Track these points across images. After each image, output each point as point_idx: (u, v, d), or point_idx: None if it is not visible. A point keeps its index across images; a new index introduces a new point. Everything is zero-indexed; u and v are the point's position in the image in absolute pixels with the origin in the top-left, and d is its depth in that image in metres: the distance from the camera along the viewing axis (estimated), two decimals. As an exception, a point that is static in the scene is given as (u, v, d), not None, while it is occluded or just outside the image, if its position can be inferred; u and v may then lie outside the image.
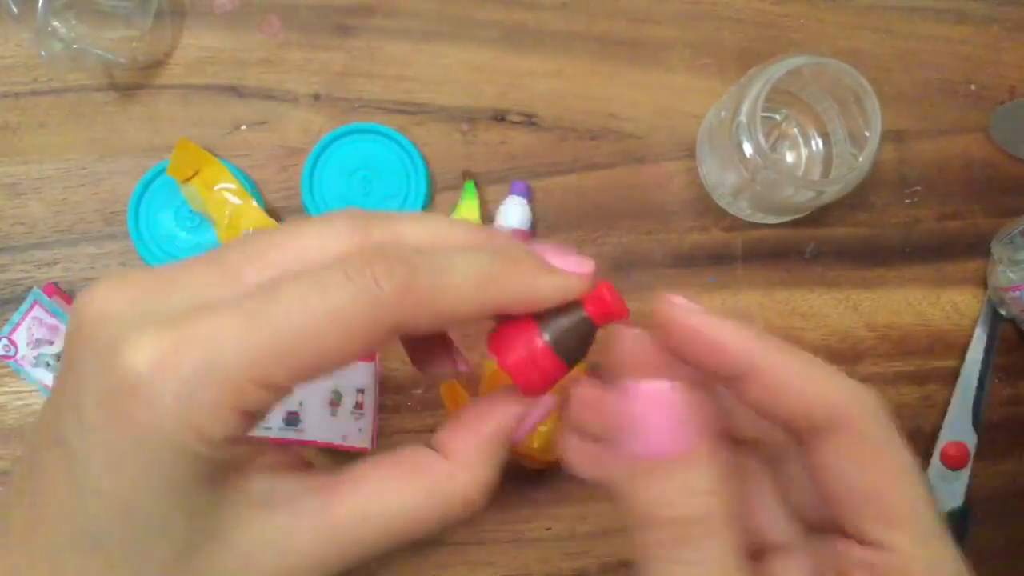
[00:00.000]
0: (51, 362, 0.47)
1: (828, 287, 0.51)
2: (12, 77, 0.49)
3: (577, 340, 0.22)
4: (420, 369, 0.26)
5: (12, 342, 0.47)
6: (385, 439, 0.49)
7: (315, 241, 0.20)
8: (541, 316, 0.22)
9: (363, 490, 0.21)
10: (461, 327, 0.21)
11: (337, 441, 0.48)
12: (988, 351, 0.50)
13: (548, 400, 0.24)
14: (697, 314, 0.21)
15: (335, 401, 0.48)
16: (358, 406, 0.47)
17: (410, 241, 0.21)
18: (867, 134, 0.44)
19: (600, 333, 0.23)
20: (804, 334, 0.51)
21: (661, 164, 0.51)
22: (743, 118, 0.43)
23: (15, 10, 0.45)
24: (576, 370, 0.23)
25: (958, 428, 0.50)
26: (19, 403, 0.48)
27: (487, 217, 0.49)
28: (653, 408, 0.21)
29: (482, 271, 0.20)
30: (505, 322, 0.23)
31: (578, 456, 0.25)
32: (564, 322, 0.22)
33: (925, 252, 0.52)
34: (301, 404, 0.48)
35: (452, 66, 0.51)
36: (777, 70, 0.43)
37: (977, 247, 0.51)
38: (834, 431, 0.20)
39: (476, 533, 0.49)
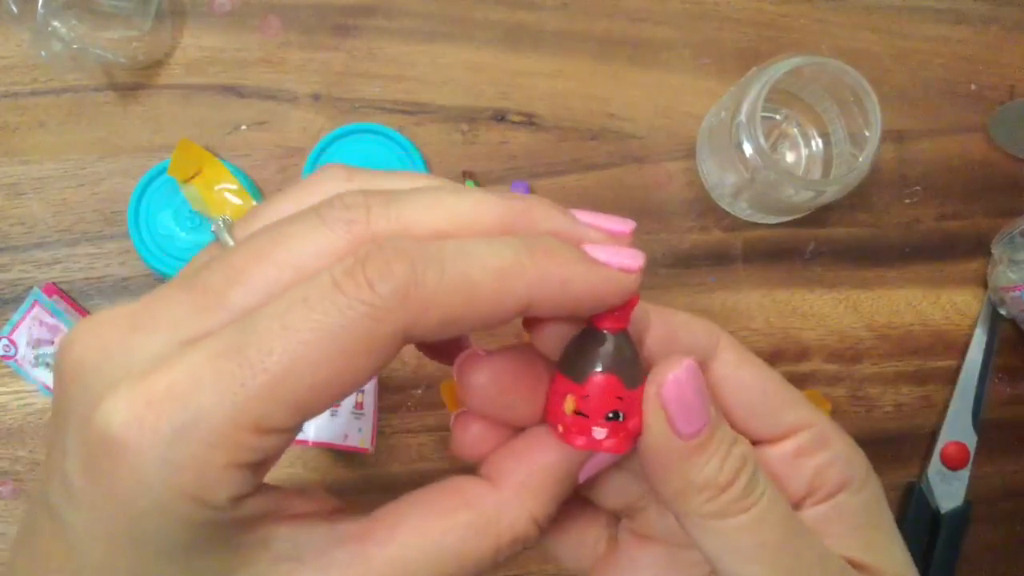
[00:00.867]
0: (51, 362, 0.47)
1: (828, 287, 0.51)
2: (12, 77, 0.49)
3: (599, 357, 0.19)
4: (434, 359, 0.23)
5: (12, 342, 0.47)
6: (385, 439, 0.49)
7: (306, 243, 0.17)
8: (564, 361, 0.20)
9: (400, 534, 0.19)
10: (483, 330, 0.17)
11: (337, 441, 0.48)
12: (988, 351, 0.50)
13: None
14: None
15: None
16: (358, 406, 0.47)
17: (420, 228, 0.17)
18: (867, 134, 0.44)
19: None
20: (804, 334, 0.51)
21: (661, 164, 0.51)
22: (743, 118, 0.43)
23: (15, 10, 0.45)
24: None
25: (958, 428, 0.50)
26: (19, 403, 0.48)
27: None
28: (689, 386, 0.19)
29: (504, 264, 0.17)
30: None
31: (480, 440, 0.22)
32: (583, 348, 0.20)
33: (925, 252, 0.52)
34: (301, 404, 0.48)
35: (452, 66, 0.51)
36: (777, 70, 0.43)
37: (977, 247, 0.51)
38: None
39: (476, 533, 0.49)
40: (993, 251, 0.50)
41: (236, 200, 0.47)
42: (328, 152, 0.49)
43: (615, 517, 0.25)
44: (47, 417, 0.48)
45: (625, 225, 0.20)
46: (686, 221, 0.51)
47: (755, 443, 0.22)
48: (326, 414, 0.48)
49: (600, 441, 0.19)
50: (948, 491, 0.49)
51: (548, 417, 0.20)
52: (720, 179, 0.49)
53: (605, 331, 0.19)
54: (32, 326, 0.47)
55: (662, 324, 0.22)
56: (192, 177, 0.47)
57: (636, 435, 0.20)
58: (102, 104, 0.50)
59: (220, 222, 0.19)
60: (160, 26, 0.48)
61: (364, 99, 0.50)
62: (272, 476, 0.17)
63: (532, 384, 0.20)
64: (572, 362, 0.20)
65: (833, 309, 0.51)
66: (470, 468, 0.21)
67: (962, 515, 0.49)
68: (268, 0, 0.50)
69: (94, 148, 0.49)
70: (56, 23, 0.46)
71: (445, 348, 0.22)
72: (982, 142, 0.52)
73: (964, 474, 0.49)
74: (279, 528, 0.18)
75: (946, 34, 0.53)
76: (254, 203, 0.47)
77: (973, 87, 0.52)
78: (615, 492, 0.24)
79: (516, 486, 0.20)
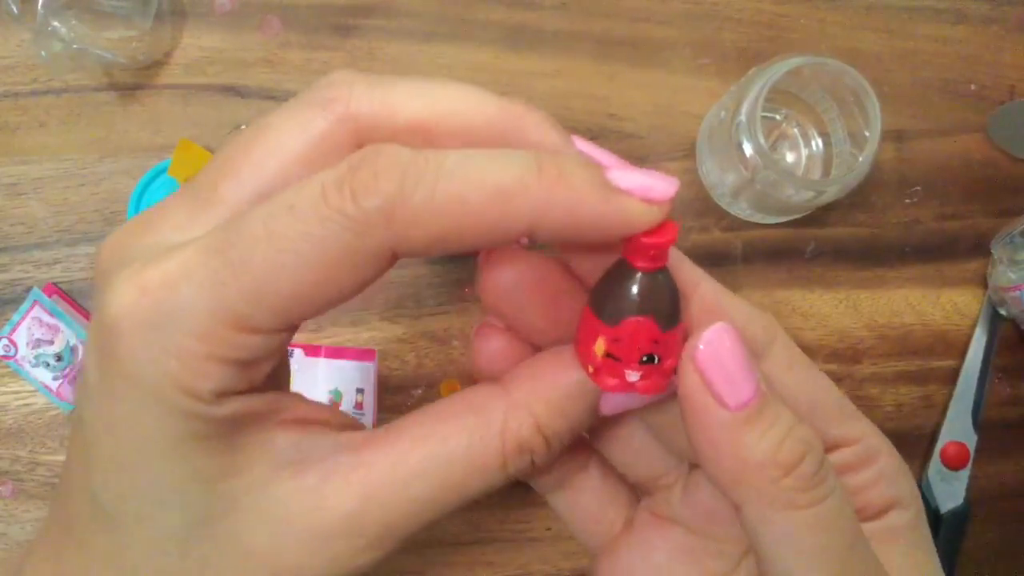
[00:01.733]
0: (51, 362, 0.47)
1: (828, 287, 0.51)
2: (12, 77, 0.49)
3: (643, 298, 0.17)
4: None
5: (12, 342, 0.47)
6: (385, 439, 0.49)
7: (286, 126, 0.17)
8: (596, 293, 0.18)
9: (404, 439, 0.18)
10: (481, 249, 0.17)
11: (337, 441, 0.48)
12: (988, 351, 0.50)
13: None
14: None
15: (335, 401, 0.48)
16: (358, 406, 0.47)
17: (404, 114, 0.17)
18: (867, 134, 0.44)
19: None
20: (804, 334, 0.51)
21: (661, 164, 0.51)
22: (743, 118, 0.43)
23: (15, 10, 0.45)
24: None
25: (958, 428, 0.50)
26: (19, 403, 0.48)
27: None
28: (726, 349, 0.18)
29: (505, 184, 0.15)
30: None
31: (500, 355, 0.20)
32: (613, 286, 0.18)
33: (925, 252, 0.52)
34: (301, 404, 0.48)
35: (452, 66, 0.51)
36: (777, 70, 0.43)
37: (977, 247, 0.51)
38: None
39: (476, 533, 0.49)
40: (993, 251, 0.50)
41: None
42: (328, 152, 0.49)
43: (636, 497, 0.24)
44: (47, 417, 0.48)
45: (665, 191, 0.17)
46: (686, 221, 0.51)
47: None
48: (326, 414, 0.48)
49: (633, 383, 0.18)
50: (948, 491, 0.49)
51: (578, 355, 0.19)
52: (720, 179, 0.49)
53: (639, 270, 0.17)
54: (32, 326, 0.47)
55: (712, 300, 0.20)
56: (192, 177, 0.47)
57: (671, 375, 0.18)
58: (102, 104, 0.50)
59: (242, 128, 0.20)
60: (160, 26, 0.48)
61: (364, 99, 0.50)
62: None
63: (559, 297, 0.19)
64: (603, 301, 0.18)
65: (833, 309, 0.51)
66: None
67: (962, 515, 0.49)
68: (268, 0, 0.50)
69: (94, 148, 0.49)
70: (56, 23, 0.46)
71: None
72: (982, 142, 0.52)
73: (964, 474, 0.49)
74: (282, 433, 0.18)
75: (946, 34, 0.53)
76: (254, 203, 0.47)
77: (973, 87, 0.52)
78: (644, 461, 0.23)
79: (526, 392, 0.19)
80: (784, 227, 0.51)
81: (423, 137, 0.17)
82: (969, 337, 0.51)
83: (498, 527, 0.49)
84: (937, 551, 0.22)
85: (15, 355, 0.47)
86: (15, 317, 0.47)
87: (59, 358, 0.47)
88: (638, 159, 0.51)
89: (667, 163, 0.51)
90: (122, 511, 0.17)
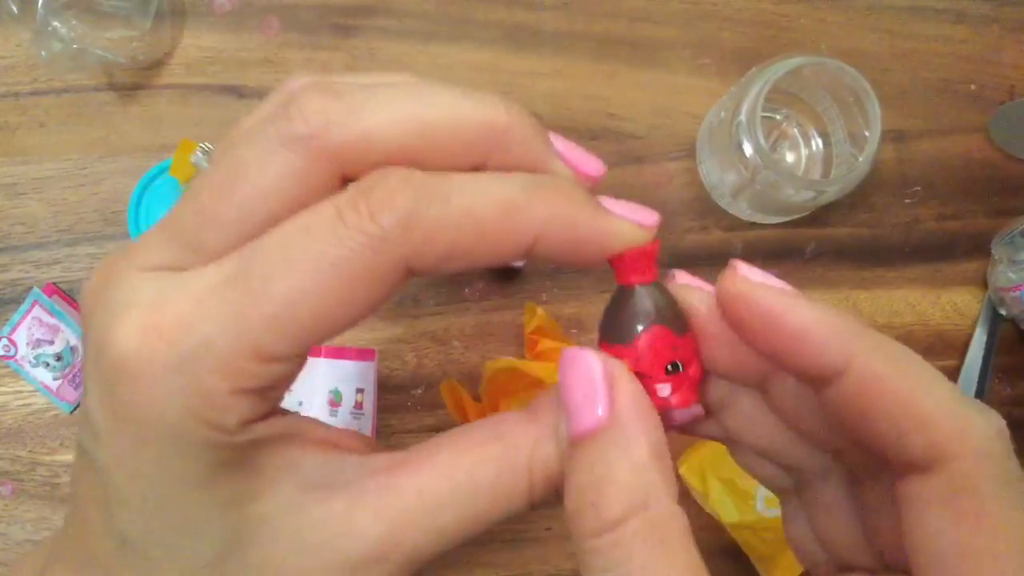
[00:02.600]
0: (51, 362, 0.47)
1: (828, 287, 0.51)
2: (12, 77, 0.49)
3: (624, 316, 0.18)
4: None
5: (12, 342, 0.47)
6: (385, 439, 0.49)
7: (265, 170, 0.16)
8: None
9: (432, 466, 0.18)
10: (488, 265, 0.17)
11: (337, 441, 0.47)
12: (988, 351, 0.50)
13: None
14: (775, 294, 0.17)
15: (335, 401, 0.48)
16: (358, 406, 0.47)
17: (386, 143, 0.17)
18: (867, 134, 0.44)
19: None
20: (804, 334, 0.51)
21: (661, 164, 0.51)
22: (743, 118, 0.43)
23: (15, 10, 0.45)
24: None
25: (958, 428, 0.49)
26: (19, 403, 0.48)
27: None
28: (576, 375, 0.17)
29: (510, 199, 0.16)
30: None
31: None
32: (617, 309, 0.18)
33: (925, 252, 0.52)
34: (301, 404, 0.48)
35: (452, 66, 0.51)
36: (777, 70, 0.43)
37: (977, 247, 0.51)
38: (929, 471, 0.15)
39: (476, 533, 0.49)
40: (993, 251, 0.50)
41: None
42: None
43: None
44: (47, 417, 0.48)
45: (649, 218, 0.19)
46: (686, 221, 0.51)
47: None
48: (326, 413, 0.48)
49: (667, 399, 0.18)
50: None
51: None
52: (720, 179, 0.49)
53: (636, 286, 0.19)
54: (32, 326, 0.47)
55: (876, 382, 0.16)
56: (193, 177, 0.47)
57: (699, 383, 0.19)
58: (102, 104, 0.50)
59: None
60: (160, 26, 0.48)
61: (364, 99, 0.50)
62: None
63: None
64: (614, 327, 0.19)
65: (833, 309, 0.51)
66: None
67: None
68: (268, 0, 0.50)
69: (94, 148, 0.49)
70: (56, 23, 0.46)
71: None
72: (982, 142, 0.52)
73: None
74: (307, 454, 0.18)
75: (946, 34, 0.53)
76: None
77: (973, 87, 0.52)
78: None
79: (553, 421, 0.18)
80: (784, 227, 0.51)
81: (407, 163, 0.17)
82: (969, 337, 0.51)
83: (498, 527, 0.49)
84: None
85: (15, 355, 0.47)
86: (15, 317, 0.47)
87: (59, 358, 0.47)
88: (638, 159, 0.51)
89: (667, 163, 0.51)
90: (151, 545, 0.17)
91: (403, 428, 0.49)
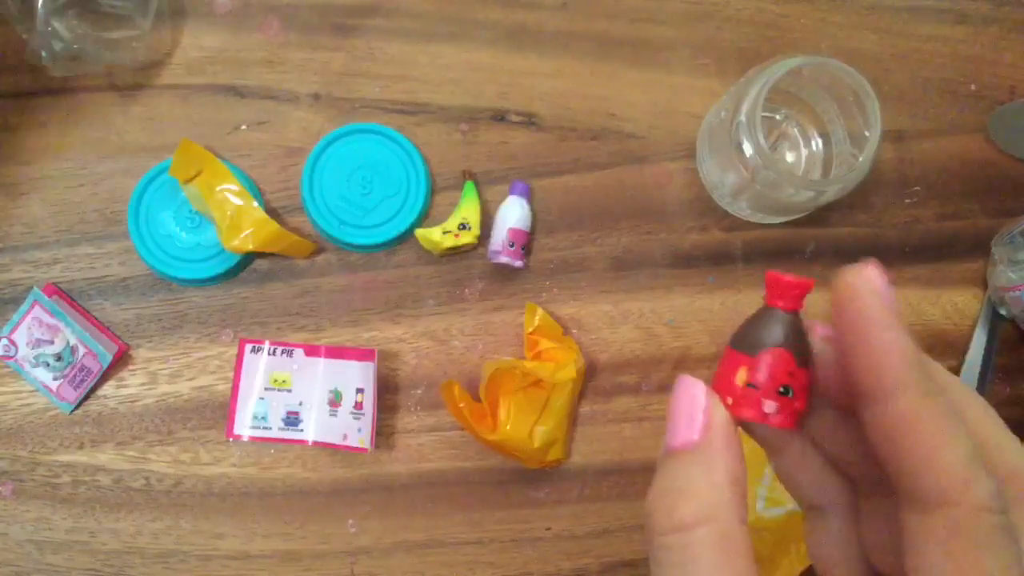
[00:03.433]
0: (51, 362, 0.47)
1: (828, 287, 0.51)
2: (12, 77, 0.49)
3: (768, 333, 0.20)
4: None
5: (12, 342, 0.47)
6: (385, 439, 0.49)
7: None
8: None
9: None
10: None
11: (337, 441, 0.48)
12: (988, 351, 0.50)
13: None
14: (884, 308, 0.19)
15: (335, 401, 0.48)
16: (357, 406, 0.47)
17: None
18: (867, 134, 0.44)
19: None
20: (804, 334, 0.51)
21: (661, 164, 0.51)
22: (743, 118, 0.43)
23: (14, 10, 0.45)
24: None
25: (958, 428, 0.49)
26: (19, 403, 0.48)
27: (487, 217, 0.49)
28: (683, 395, 0.20)
29: None
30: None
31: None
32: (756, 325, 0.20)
33: (925, 252, 0.52)
34: (301, 404, 0.48)
35: (452, 66, 0.51)
36: (777, 70, 0.43)
37: (977, 247, 0.51)
38: (934, 509, 0.17)
39: (476, 533, 0.49)
40: (993, 251, 0.50)
41: (237, 201, 0.47)
42: (328, 152, 0.49)
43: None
44: (47, 417, 0.48)
45: None
46: (686, 221, 0.51)
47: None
48: (326, 414, 0.48)
49: (768, 415, 0.19)
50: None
51: (717, 388, 0.20)
52: (720, 179, 0.49)
53: (779, 309, 0.20)
54: (32, 326, 0.47)
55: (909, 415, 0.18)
56: (193, 177, 0.47)
57: (801, 415, 0.20)
58: (102, 104, 0.50)
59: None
60: (160, 26, 0.48)
61: (364, 99, 0.50)
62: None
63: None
64: (746, 336, 0.20)
65: (833, 309, 0.51)
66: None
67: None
68: (268, 0, 0.50)
69: (94, 148, 0.49)
70: (56, 23, 0.46)
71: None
72: (982, 142, 0.52)
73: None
74: None
75: (946, 34, 0.53)
76: (254, 203, 0.47)
77: (973, 87, 0.52)
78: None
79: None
80: (784, 227, 0.51)
81: None
82: (969, 337, 0.51)
83: (498, 527, 0.49)
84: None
85: (15, 355, 0.47)
86: (15, 317, 0.47)
87: (59, 358, 0.47)
88: (638, 159, 0.51)
89: (667, 163, 0.51)
90: None
91: (403, 428, 0.49)
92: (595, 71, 0.51)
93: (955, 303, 0.52)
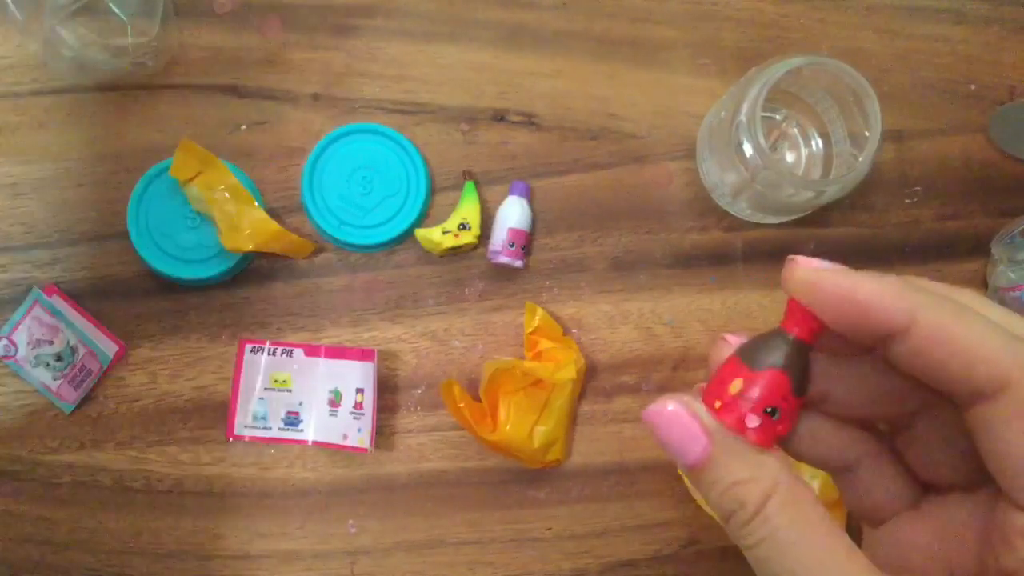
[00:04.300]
0: (51, 362, 0.47)
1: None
2: (12, 77, 0.49)
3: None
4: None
5: (12, 342, 0.47)
6: (384, 439, 0.49)
7: None
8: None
9: None
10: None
11: (337, 441, 0.48)
12: (988, 351, 0.50)
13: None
14: (841, 275, 0.20)
15: (335, 401, 0.48)
16: (357, 406, 0.47)
17: None
18: (867, 134, 0.43)
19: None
20: (804, 334, 0.51)
21: (661, 164, 0.51)
22: (743, 118, 0.43)
23: (20, 17, 0.45)
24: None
25: (958, 428, 0.49)
26: (19, 403, 0.48)
27: (487, 217, 0.49)
28: (669, 425, 0.21)
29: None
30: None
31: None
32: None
33: (925, 252, 0.52)
34: (301, 404, 0.48)
35: (452, 66, 0.51)
36: (777, 70, 0.43)
37: (977, 247, 0.51)
38: (997, 395, 0.18)
39: (476, 533, 0.49)
40: (993, 251, 0.50)
41: (237, 201, 0.47)
42: (328, 152, 0.49)
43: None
44: (47, 417, 0.48)
45: None
46: (686, 221, 0.51)
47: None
48: (326, 414, 0.48)
49: (748, 428, 0.20)
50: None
51: (706, 397, 0.21)
52: (720, 179, 0.49)
53: (793, 336, 0.21)
54: (32, 326, 0.47)
55: (936, 329, 0.19)
56: (193, 177, 0.47)
57: (779, 438, 0.21)
58: (102, 104, 0.50)
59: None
60: (166, 31, 0.48)
61: (364, 99, 0.50)
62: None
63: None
64: (753, 352, 0.21)
65: (833, 309, 0.51)
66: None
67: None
68: (268, 0, 0.50)
69: (94, 148, 0.49)
70: (63, 31, 0.45)
71: None
72: (982, 142, 0.52)
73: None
74: None
75: (946, 34, 0.53)
76: (255, 204, 0.47)
77: (973, 87, 0.52)
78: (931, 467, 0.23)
79: None
80: (784, 227, 0.51)
81: None
82: (969, 337, 0.51)
83: (498, 527, 0.49)
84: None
85: (15, 355, 0.47)
86: (15, 317, 0.47)
87: (59, 358, 0.47)
88: (638, 159, 0.51)
89: (667, 163, 0.51)
90: None
91: (403, 428, 0.49)
92: (595, 71, 0.51)
93: (955, 303, 0.52)
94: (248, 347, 0.48)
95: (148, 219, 0.48)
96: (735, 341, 0.22)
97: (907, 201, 0.52)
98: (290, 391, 0.48)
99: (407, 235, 0.49)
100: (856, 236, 0.51)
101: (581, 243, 0.50)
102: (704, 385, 0.22)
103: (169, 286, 0.49)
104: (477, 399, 0.48)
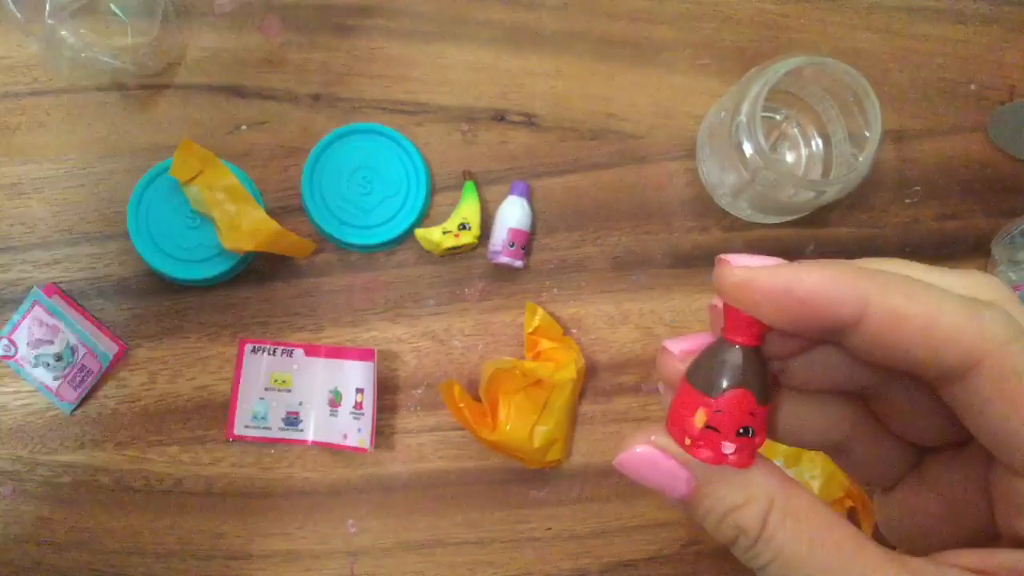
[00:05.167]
0: (51, 362, 0.47)
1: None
2: (12, 77, 0.49)
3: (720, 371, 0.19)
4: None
5: (12, 342, 0.47)
6: (384, 439, 0.49)
7: None
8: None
9: None
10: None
11: (337, 441, 0.48)
12: (988, 351, 0.50)
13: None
14: (776, 272, 0.18)
15: (335, 401, 0.48)
16: (357, 406, 0.47)
17: None
18: (867, 134, 0.43)
19: None
20: (804, 334, 0.51)
21: (661, 164, 0.51)
22: (743, 118, 0.43)
23: (21, 18, 0.45)
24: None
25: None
26: (19, 403, 0.48)
27: (487, 217, 0.49)
28: (645, 468, 0.20)
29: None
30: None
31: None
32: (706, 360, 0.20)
33: (925, 252, 0.52)
34: (301, 404, 0.48)
35: (452, 66, 0.51)
36: (777, 70, 0.43)
37: (977, 247, 0.51)
38: (970, 374, 0.17)
39: (476, 533, 0.49)
40: (993, 251, 0.50)
41: (237, 201, 0.47)
42: (328, 152, 0.49)
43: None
44: (47, 417, 0.48)
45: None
46: (686, 221, 0.51)
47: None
48: (326, 414, 0.48)
49: (727, 455, 0.19)
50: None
51: (672, 428, 0.20)
52: (720, 179, 0.49)
53: (739, 346, 0.19)
54: (32, 326, 0.47)
55: (894, 317, 0.18)
56: (194, 177, 0.47)
57: (758, 447, 0.20)
58: (102, 104, 0.50)
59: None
60: (167, 32, 0.48)
61: (364, 99, 0.50)
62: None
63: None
64: (705, 374, 0.19)
65: (833, 309, 0.51)
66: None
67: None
68: (268, 0, 0.50)
69: (94, 148, 0.49)
70: (64, 32, 0.45)
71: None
72: (982, 142, 0.52)
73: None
74: None
75: (946, 34, 0.53)
76: (255, 204, 0.47)
77: (973, 87, 0.52)
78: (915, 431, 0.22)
79: None
80: (784, 227, 0.51)
81: None
82: (969, 337, 0.51)
83: (498, 527, 0.49)
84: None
85: (15, 355, 0.47)
86: (15, 317, 0.47)
87: (59, 358, 0.47)
88: (638, 159, 0.51)
89: (667, 163, 0.51)
90: None
91: (403, 428, 0.49)
92: (595, 71, 0.51)
93: (955, 303, 0.52)
94: (248, 347, 0.48)
95: (148, 219, 0.48)
96: (676, 348, 0.21)
97: (907, 201, 0.52)
98: (290, 391, 0.48)
99: (407, 235, 0.49)
100: (856, 236, 0.51)
101: (581, 243, 0.50)
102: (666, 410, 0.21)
103: (169, 286, 0.49)
104: (477, 399, 0.48)
